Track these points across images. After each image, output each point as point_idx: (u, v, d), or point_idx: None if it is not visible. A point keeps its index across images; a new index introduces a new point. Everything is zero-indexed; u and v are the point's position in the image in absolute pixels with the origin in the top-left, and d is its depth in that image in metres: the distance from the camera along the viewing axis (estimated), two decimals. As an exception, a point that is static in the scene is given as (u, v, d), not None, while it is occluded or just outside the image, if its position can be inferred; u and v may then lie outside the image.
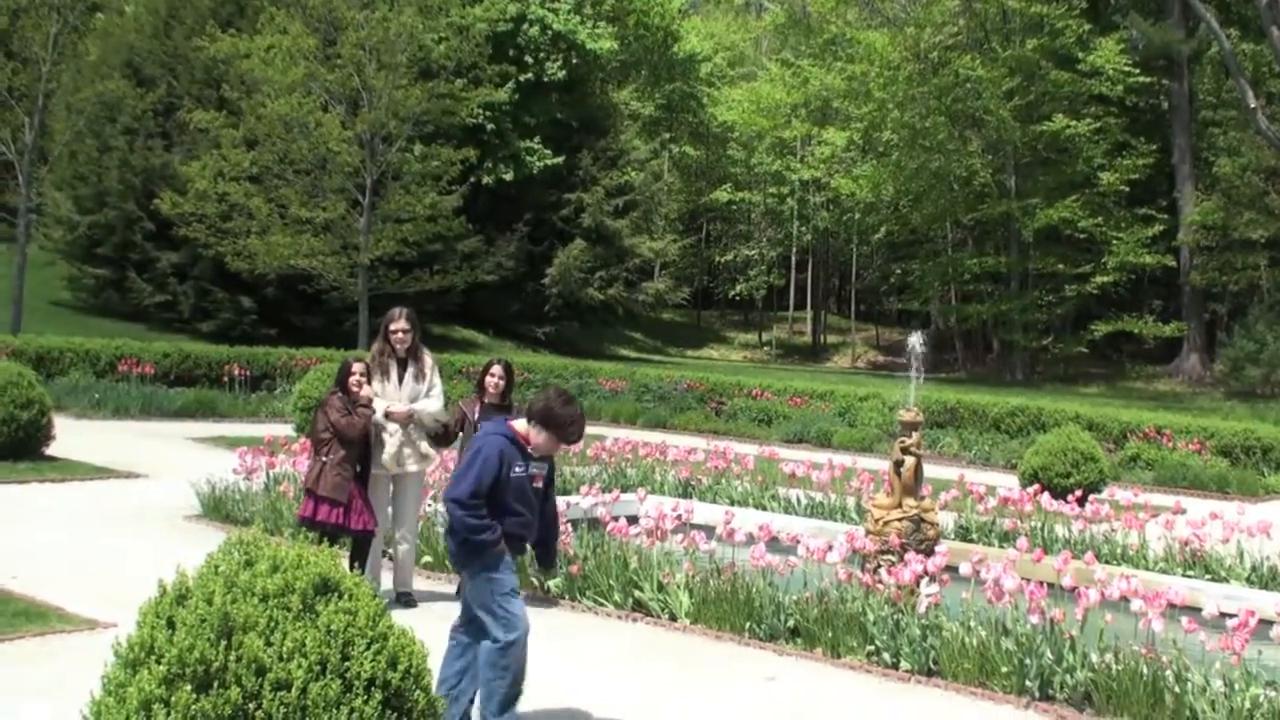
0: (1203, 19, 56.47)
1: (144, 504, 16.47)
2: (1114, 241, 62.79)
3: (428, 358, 12.19)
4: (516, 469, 7.90)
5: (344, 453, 11.28)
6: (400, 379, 11.88)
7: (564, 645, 10.49)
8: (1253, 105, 52.94)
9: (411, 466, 11.94)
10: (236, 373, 32.07)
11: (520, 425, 8.04)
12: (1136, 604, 9.65)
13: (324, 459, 11.28)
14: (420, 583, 12.44)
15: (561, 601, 12.05)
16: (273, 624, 4.87)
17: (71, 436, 21.74)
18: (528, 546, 8.44)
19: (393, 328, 11.94)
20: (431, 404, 11.99)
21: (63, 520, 15.14)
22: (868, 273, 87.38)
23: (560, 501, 14.56)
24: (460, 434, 12.23)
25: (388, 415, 11.71)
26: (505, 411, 11.64)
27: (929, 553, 11.43)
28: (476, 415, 12.00)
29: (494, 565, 7.81)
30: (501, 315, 63.15)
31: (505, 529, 7.84)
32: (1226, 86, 62.54)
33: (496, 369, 12.36)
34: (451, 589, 12.08)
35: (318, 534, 10.44)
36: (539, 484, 8.13)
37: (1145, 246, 62.50)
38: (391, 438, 11.76)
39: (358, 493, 11.37)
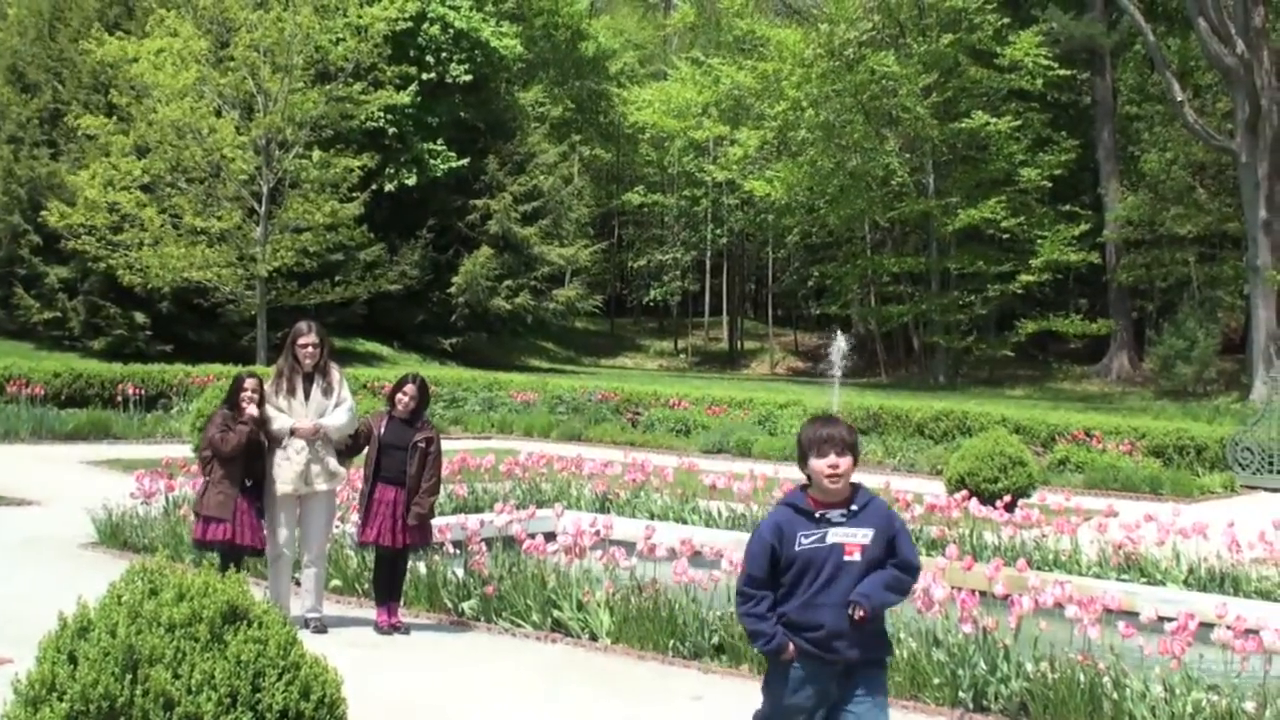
0: (1126, 11, 56.45)
1: (36, 532, 15.83)
2: (1038, 240, 62.53)
3: (335, 372, 11.80)
4: (803, 540, 5.96)
5: (225, 470, 11.00)
6: (307, 395, 11.51)
7: (481, 669, 10.37)
8: (1179, 99, 53.27)
9: (320, 485, 11.51)
10: (131, 392, 31.54)
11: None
12: (1071, 610, 9.77)
13: (207, 478, 11.14)
14: (330, 607, 12.05)
15: (477, 624, 11.82)
16: (180, 655, 4.84)
17: (-44, 462, 21.13)
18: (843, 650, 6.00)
19: (301, 342, 11.56)
20: (339, 417, 11.55)
21: (-51, 552, 14.64)
22: (785, 276, 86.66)
23: (474, 520, 13.81)
24: (366, 447, 11.83)
25: (293, 432, 11.34)
26: (413, 429, 11.56)
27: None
28: (383, 431, 11.63)
29: (777, 676, 6.11)
30: (406, 326, 62.36)
31: (799, 620, 5.94)
32: (1151, 80, 62.74)
33: (410, 387, 11.75)
34: (363, 613, 11.97)
35: (221, 556, 10.60)
36: (853, 555, 5.96)
37: (1070, 244, 62.26)
38: (299, 455, 11.35)
39: (246, 508, 11.06)
